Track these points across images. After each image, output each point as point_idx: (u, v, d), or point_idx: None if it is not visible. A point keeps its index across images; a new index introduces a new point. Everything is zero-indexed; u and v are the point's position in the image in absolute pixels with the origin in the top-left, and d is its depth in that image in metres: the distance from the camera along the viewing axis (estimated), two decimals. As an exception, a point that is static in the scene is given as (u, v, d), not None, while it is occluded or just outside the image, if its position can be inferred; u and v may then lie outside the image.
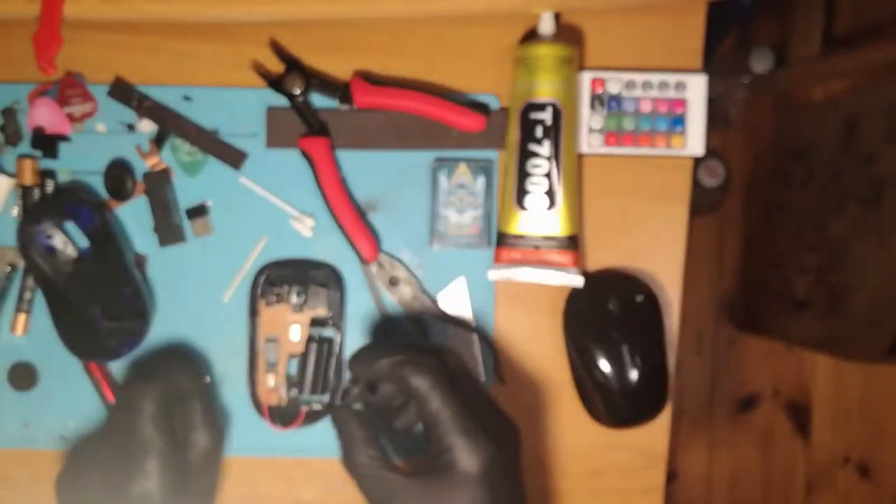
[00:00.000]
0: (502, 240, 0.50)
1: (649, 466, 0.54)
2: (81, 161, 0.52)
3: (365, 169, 0.52)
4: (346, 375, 0.52)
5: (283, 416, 0.52)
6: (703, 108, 0.52)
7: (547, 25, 0.50)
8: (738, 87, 1.01)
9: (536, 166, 0.49)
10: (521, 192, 0.49)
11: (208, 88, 0.52)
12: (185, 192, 0.52)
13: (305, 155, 0.51)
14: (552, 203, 0.49)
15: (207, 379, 0.52)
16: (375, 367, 0.42)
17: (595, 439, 0.54)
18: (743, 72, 0.99)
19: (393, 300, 0.52)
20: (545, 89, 0.49)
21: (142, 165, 0.52)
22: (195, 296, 0.52)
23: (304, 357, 0.51)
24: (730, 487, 1.29)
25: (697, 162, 0.94)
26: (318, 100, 0.52)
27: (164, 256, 0.52)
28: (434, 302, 0.52)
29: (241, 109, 0.52)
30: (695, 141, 0.52)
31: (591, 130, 0.52)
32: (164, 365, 0.49)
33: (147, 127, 0.52)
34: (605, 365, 0.51)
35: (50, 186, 0.51)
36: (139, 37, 0.52)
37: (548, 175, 0.49)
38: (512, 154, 0.50)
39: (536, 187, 0.49)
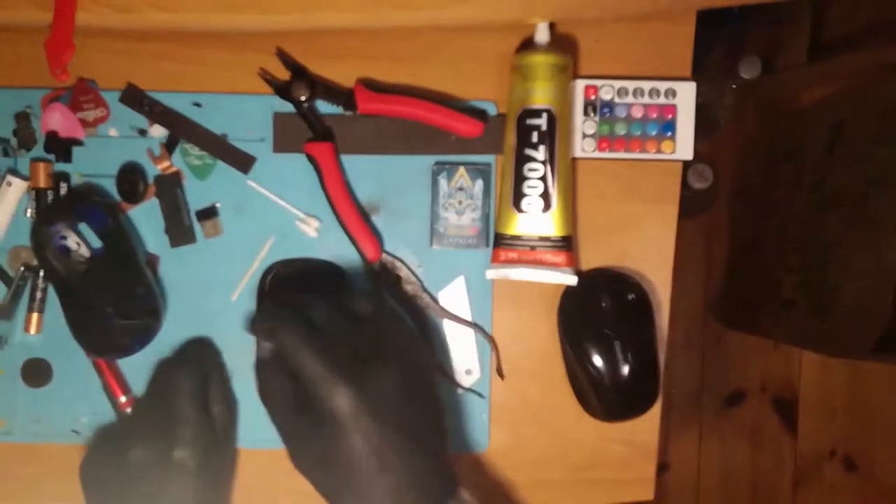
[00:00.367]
0: (500, 240, 0.52)
1: (641, 458, 0.56)
2: (94, 164, 0.53)
3: (368, 172, 0.54)
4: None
5: (289, 410, 0.53)
6: (692, 113, 0.54)
7: (542, 35, 0.51)
8: (726, 93, 1.03)
9: (532, 170, 0.51)
10: (518, 195, 0.51)
11: (217, 95, 0.53)
12: (196, 194, 0.53)
13: (311, 159, 0.52)
14: (547, 205, 0.51)
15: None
16: (256, 331, 0.45)
17: (589, 432, 0.56)
18: (731, 78, 1.00)
19: (395, 298, 0.54)
20: (541, 96, 0.50)
21: (153, 169, 0.53)
22: (205, 295, 0.54)
23: (309, 353, 0.52)
24: (719, 479, 1.31)
25: (686, 165, 0.95)
26: (323, 106, 0.53)
27: (175, 257, 0.53)
28: (434, 300, 0.54)
29: (249, 115, 0.53)
30: (684, 145, 0.54)
31: (584, 136, 0.54)
32: (193, 346, 0.53)
33: (158, 132, 0.53)
34: (598, 360, 0.52)
35: (63, 189, 0.52)
36: (150, 44, 0.53)
37: (543, 178, 0.50)
38: (509, 158, 0.51)
39: (532, 190, 0.51)
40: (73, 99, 0.52)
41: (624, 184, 0.55)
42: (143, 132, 0.53)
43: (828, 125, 1.08)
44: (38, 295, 0.53)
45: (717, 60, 1.05)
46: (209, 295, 0.54)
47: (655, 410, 0.55)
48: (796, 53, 1.13)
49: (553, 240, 0.51)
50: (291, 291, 0.52)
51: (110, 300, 0.50)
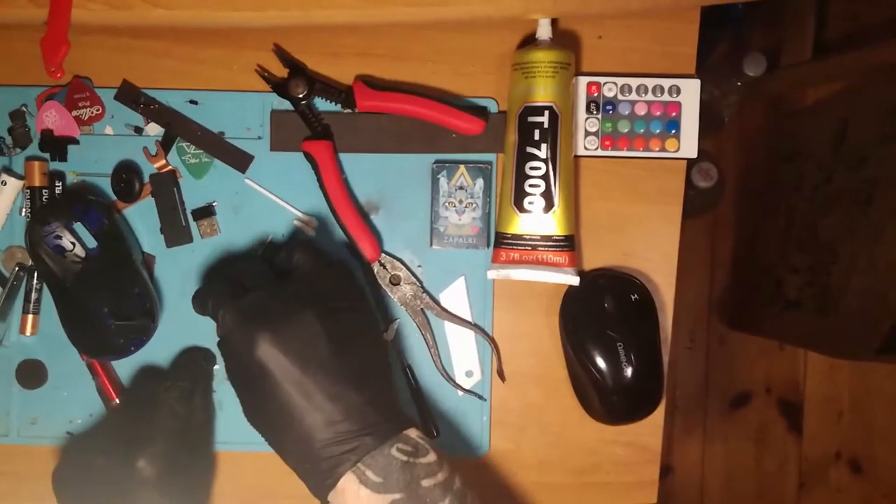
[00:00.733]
0: (501, 240, 0.51)
1: (645, 461, 0.55)
2: (90, 163, 0.53)
3: (367, 171, 0.53)
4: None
5: (286, 412, 0.53)
6: (696, 111, 0.53)
7: (544, 31, 0.51)
8: (731, 91, 1.02)
9: (534, 168, 0.50)
10: (519, 194, 0.50)
11: (214, 92, 0.53)
12: (192, 193, 0.53)
13: (309, 158, 0.51)
14: (549, 204, 0.50)
15: (215, 367, 0.54)
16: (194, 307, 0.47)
17: (591, 435, 0.55)
18: (736, 76, 1.00)
19: (394, 299, 0.53)
20: (542, 93, 0.50)
21: (149, 167, 0.53)
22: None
23: (307, 355, 0.52)
24: (724, 482, 1.30)
25: (691, 164, 0.95)
26: (321, 104, 0.53)
27: (171, 256, 0.53)
28: (435, 301, 0.53)
29: (246, 113, 0.53)
30: (688, 143, 0.53)
31: (587, 133, 0.53)
32: (185, 354, 0.53)
33: (154, 129, 0.53)
34: (600, 362, 0.51)
35: (58, 188, 0.52)
36: (146, 41, 0.53)
37: (545, 177, 0.50)
38: (510, 157, 0.51)
39: (534, 189, 0.50)
40: (69, 97, 0.52)
41: (627, 182, 0.54)
42: (138, 130, 0.53)
43: (832, 124, 1.08)
44: (33, 296, 0.53)
45: (722, 58, 1.04)
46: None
47: (659, 413, 0.54)
48: (801, 51, 1.13)
49: (555, 239, 0.50)
50: (228, 263, 0.53)
51: (105, 301, 0.49)
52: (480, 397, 0.54)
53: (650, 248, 0.55)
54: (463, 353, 0.54)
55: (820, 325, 1.04)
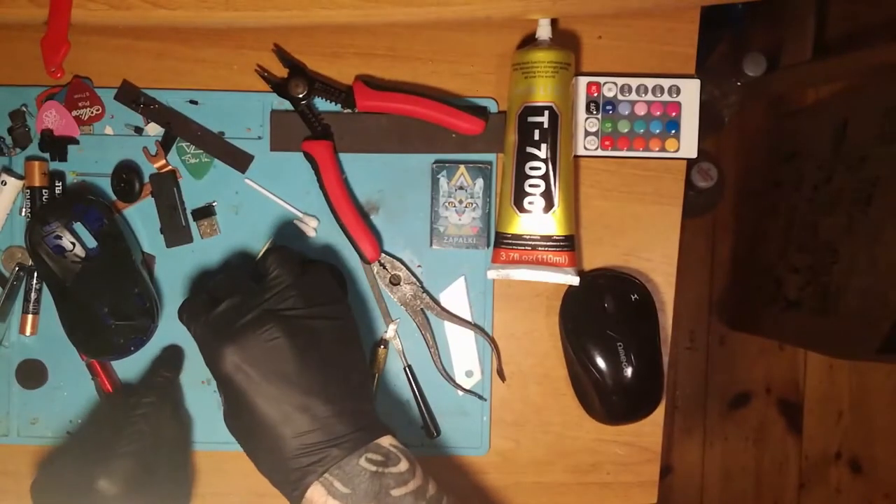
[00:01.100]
0: (501, 240, 0.51)
1: (644, 461, 0.55)
2: (89, 163, 0.53)
3: (367, 171, 0.53)
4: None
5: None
6: (696, 111, 0.53)
7: (544, 31, 0.51)
8: (731, 91, 1.02)
9: (534, 168, 0.50)
10: (519, 194, 0.50)
11: (214, 92, 0.53)
12: (192, 193, 0.53)
13: (309, 158, 0.51)
14: (549, 204, 0.50)
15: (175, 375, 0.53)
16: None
17: (591, 435, 0.55)
18: (736, 76, 1.00)
19: (394, 299, 0.53)
20: (542, 93, 0.50)
21: (149, 167, 0.52)
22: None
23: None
24: (723, 482, 1.30)
25: (691, 164, 0.95)
26: (321, 104, 0.53)
27: (171, 257, 0.53)
28: (435, 301, 0.53)
29: (246, 113, 0.53)
30: (688, 143, 0.53)
31: (587, 133, 0.53)
32: (149, 372, 0.52)
33: (154, 129, 0.53)
34: (600, 362, 0.51)
35: (58, 188, 0.52)
36: (146, 42, 0.53)
37: (545, 177, 0.50)
38: (510, 157, 0.51)
39: (534, 189, 0.50)
40: (69, 97, 0.52)
41: (627, 182, 0.54)
42: (139, 130, 0.53)
43: (832, 124, 1.07)
44: (33, 296, 0.53)
45: (722, 58, 1.04)
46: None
47: (659, 413, 0.54)
48: (801, 51, 1.13)
49: (555, 239, 0.50)
50: (211, 273, 0.53)
51: (105, 301, 0.49)
52: (480, 397, 0.54)
53: (650, 248, 0.55)
54: (463, 353, 0.54)
55: (820, 325, 1.04)
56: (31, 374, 0.53)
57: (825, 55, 1.13)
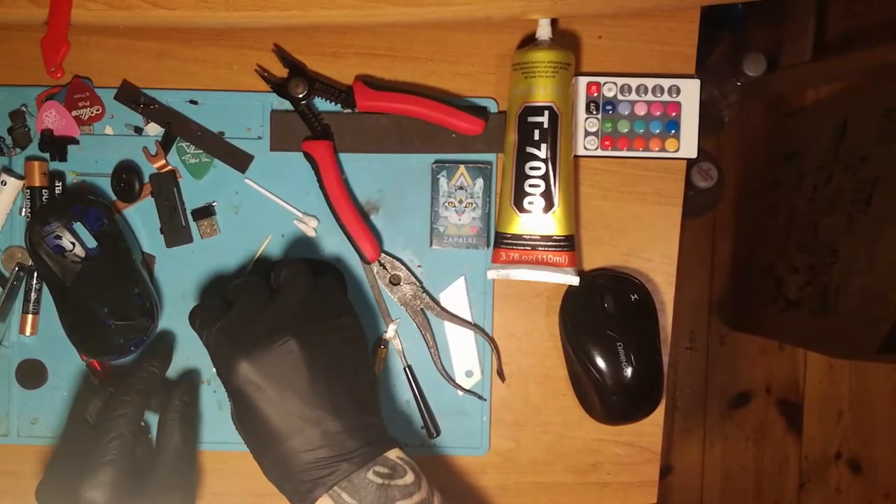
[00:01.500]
0: (500, 240, 0.51)
1: (644, 461, 0.55)
2: (89, 163, 0.53)
3: (367, 171, 0.53)
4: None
5: (286, 412, 0.53)
6: (696, 111, 0.53)
7: (544, 31, 0.51)
8: (731, 91, 1.02)
9: (534, 168, 0.50)
10: (519, 194, 0.50)
11: (214, 92, 0.53)
12: (192, 193, 0.53)
13: (309, 158, 0.51)
14: (549, 204, 0.50)
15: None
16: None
17: (591, 435, 0.55)
18: (736, 76, 1.00)
19: (394, 299, 0.53)
20: (542, 93, 0.50)
21: (149, 167, 0.52)
22: (201, 295, 0.53)
23: (307, 355, 0.52)
24: (723, 482, 1.30)
25: (691, 164, 0.95)
26: (321, 104, 0.53)
27: (171, 257, 0.53)
28: (434, 301, 0.53)
29: (246, 113, 0.53)
30: (688, 143, 0.53)
31: (587, 133, 0.53)
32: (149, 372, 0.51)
33: (154, 129, 0.53)
34: (600, 362, 0.51)
35: (58, 188, 0.52)
36: (146, 41, 0.53)
37: (545, 177, 0.50)
38: (510, 157, 0.51)
39: (534, 189, 0.50)
40: (69, 97, 0.52)
41: (627, 182, 0.54)
42: (138, 130, 0.53)
43: (832, 124, 1.08)
44: (33, 296, 0.53)
45: (722, 58, 1.04)
46: (206, 295, 0.53)
47: (659, 413, 0.54)
48: (801, 51, 1.13)
49: (555, 239, 0.50)
50: (224, 278, 0.53)
51: (105, 301, 0.49)
52: (480, 397, 0.54)
53: (650, 248, 0.55)
54: (463, 353, 0.54)
55: (820, 325, 1.04)
56: (31, 374, 0.53)
57: (825, 55, 1.13)
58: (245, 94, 0.53)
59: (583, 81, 0.53)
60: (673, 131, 0.53)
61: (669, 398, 1.28)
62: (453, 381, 0.54)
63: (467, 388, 0.54)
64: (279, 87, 0.52)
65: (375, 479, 0.42)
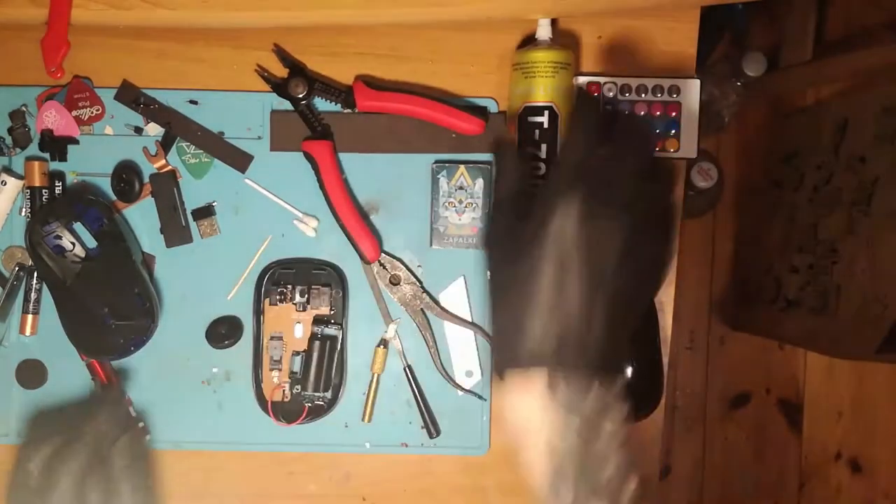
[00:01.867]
0: (501, 240, 0.51)
1: (644, 461, 0.55)
2: (89, 163, 0.53)
3: (367, 171, 0.53)
4: (348, 372, 0.53)
5: (286, 411, 0.53)
6: (696, 111, 0.53)
7: (544, 31, 0.51)
8: (731, 91, 1.02)
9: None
10: (520, 194, 0.50)
11: (214, 92, 0.53)
12: (192, 193, 0.53)
13: (309, 158, 0.51)
14: (549, 204, 0.50)
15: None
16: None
17: (591, 435, 0.55)
18: (736, 76, 1.00)
19: (394, 299, 0.53)
20: (543, 93, 0.50)
21: (149, 167, 0.52)
22: (201, 295, 0.53)
23: (307, 354, 0.52)
24: (723, 482, 1.30)
25: (691, 164, 0.95)
26: (321, 104, 0.53)
27: (171, 256, 0.53)
28: (434, 300, 0.53)
29: (246, 113, 0.53)
30: (688, 143, 0.53)
31: (587, 133, 0.53)
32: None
33: (154, 129, 0.53)
34: (600, 362, 0.51)
35: (58, 188, 0.52)
36: (146, 42, 0.53)
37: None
38: (510, 157, 0.51)
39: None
40: (69, 97, 0.52)
41: (627, 182, 0.54)
42: (138, 130, 0.53)
43: (832, 124, 1.07)
44: (33, 296, 0.53)
45: (722, 58, 1.04)
46: (205, 295, 0.53)
47: (659, 413, 0.54)
48: (801, 51, 1.12)
49: (555, 239, 0.50)
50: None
51: (105, 301, 0.50)
52: (480, 397, 0.54)
53: (650, 248, 0.55)
54: (463, 353, 0.54)
55: (820, 324, 1.04)
56: (31, 374, 0.53)
57: (825, 55, 1.13)
58: (245, 94, 0.53)
59: (583, 81, 0.53)
60: (673, 131, 0.53)
61: (669, 398, 1.28)
62: (453, 381, 0.54)
63: (467, 388, 0.54)
64: (279, 87, 0.52)
65: (598, 390, 0.39)
